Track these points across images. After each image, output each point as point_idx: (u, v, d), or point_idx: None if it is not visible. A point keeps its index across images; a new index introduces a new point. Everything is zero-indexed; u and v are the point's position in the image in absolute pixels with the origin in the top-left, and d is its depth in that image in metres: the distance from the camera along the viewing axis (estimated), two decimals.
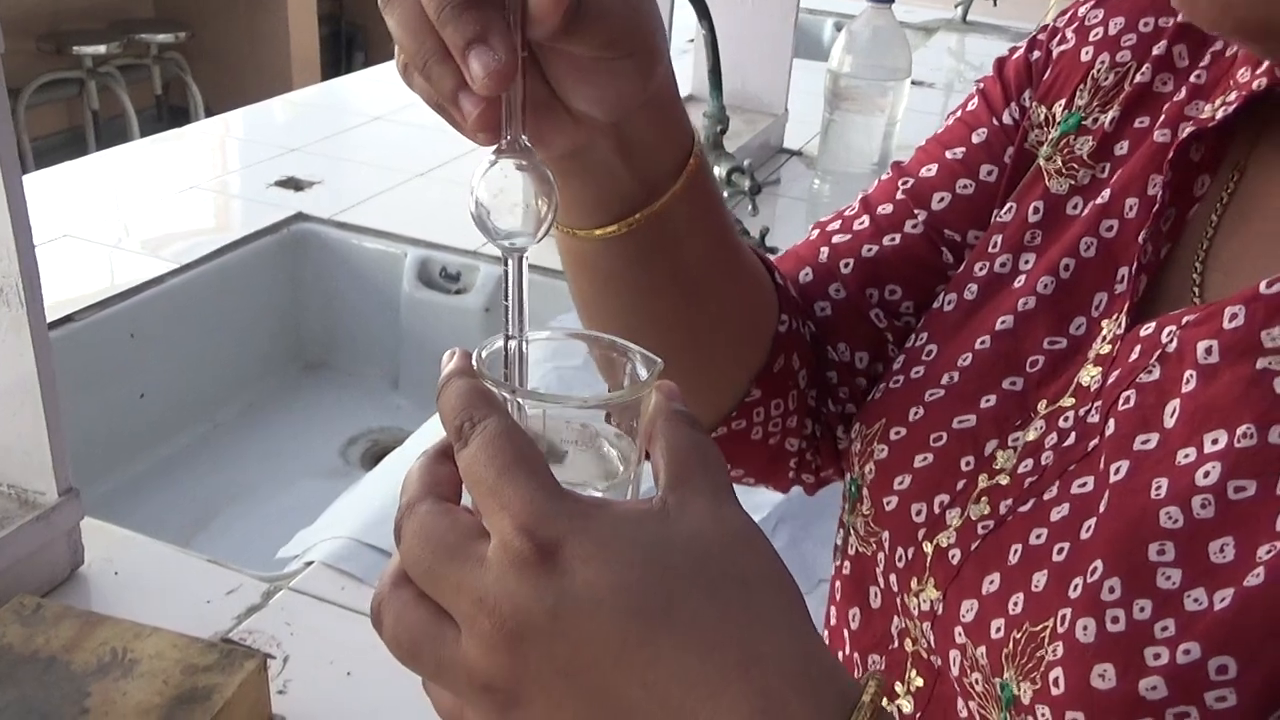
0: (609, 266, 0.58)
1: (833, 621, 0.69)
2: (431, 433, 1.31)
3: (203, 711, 0.79)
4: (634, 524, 0.35)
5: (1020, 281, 0.63)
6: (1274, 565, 0.42)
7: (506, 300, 0.43)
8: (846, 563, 0.67)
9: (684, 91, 2.39)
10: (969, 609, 0.53)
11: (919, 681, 0.60)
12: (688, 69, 2.39)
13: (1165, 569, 0.45)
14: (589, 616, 0.33)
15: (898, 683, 0.61)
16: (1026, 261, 0.64)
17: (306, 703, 0.89)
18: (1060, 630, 0.47)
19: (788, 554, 1.10)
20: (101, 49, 4.94)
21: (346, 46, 6.38)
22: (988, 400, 0.59)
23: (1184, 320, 0.53)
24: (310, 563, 1.06)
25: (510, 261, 0.43)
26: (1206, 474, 0.47)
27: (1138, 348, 0.53)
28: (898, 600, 0.60)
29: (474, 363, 0.40)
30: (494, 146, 0.43)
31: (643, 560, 0.33)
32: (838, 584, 0.69)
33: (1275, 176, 0.56)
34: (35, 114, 4.89)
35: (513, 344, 0.42)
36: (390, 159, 2.11)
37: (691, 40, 2.49)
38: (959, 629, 0.54)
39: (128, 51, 5.10)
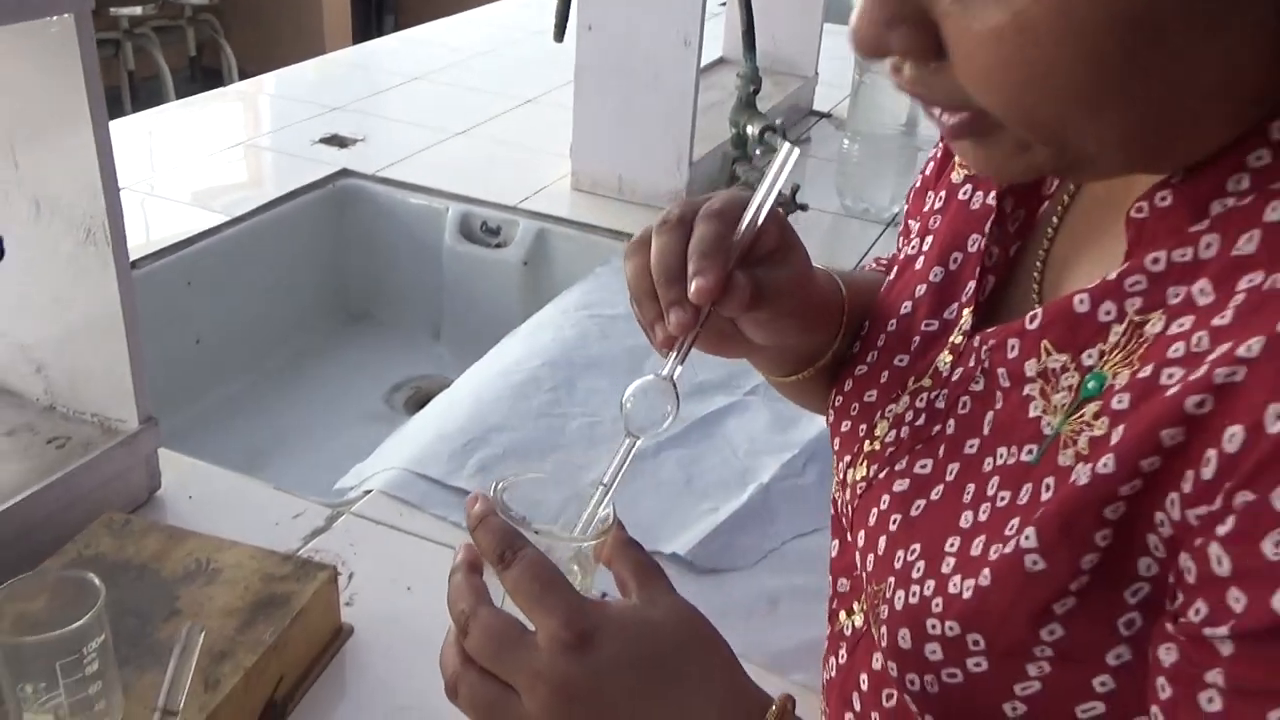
0: (803, 387, 0.75)
1: (832, 553, 0.77)
2: (471, 378, 1.38)
3: (281, 615, 0.87)
4: (633, 614, 0.53)
5: (920, 265, 0.70)
6: (998, 567, 0.51)
7: (615, 462, 0.59)
8: (834, 501, 0.77)
9: (716, 54, 2.44)
10: (855, 559, 0.65)
11: (864, 606, 0.69)
12: (720, 31, 2.44)
13: (949, 558, 0.55)
14: (617, 679, 0.51)
15: (855, 602, 0.70)
16: (929, 246, 0.71)
17: (372, 614, 0.97)
18: (887, 595, 0.58)
19: (817, 489, 1.17)
20: (138, 10, 5.01)
21: (377, 10, 6.42)
22: (884, 376, 0.67)
23: (999, 335, 0.58)
24: (369, 491, 1.14)
25: (630, 442, 0.59)
26: (991, 484, 0.55)
27: (973, 354, 0.58)
28: (841, 538, 0.71)
29: (496, 498, 0.57)
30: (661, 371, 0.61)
31: (649, 638, 0.52)
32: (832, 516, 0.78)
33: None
34: None
35: (603, 490, 0.58)
36: (430, 118, 2.17)
37: (724, 3, 2.53)
38: (859, 566, 0.65)
39: (163, 13, 5.17)
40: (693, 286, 0.59)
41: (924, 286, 0.67)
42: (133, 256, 1.56)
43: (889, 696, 0.64)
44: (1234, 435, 0.41)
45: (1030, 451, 0.54)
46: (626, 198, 1.85)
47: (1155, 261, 0.49)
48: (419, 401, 1.74)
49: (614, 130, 1.83)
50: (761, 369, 0.76)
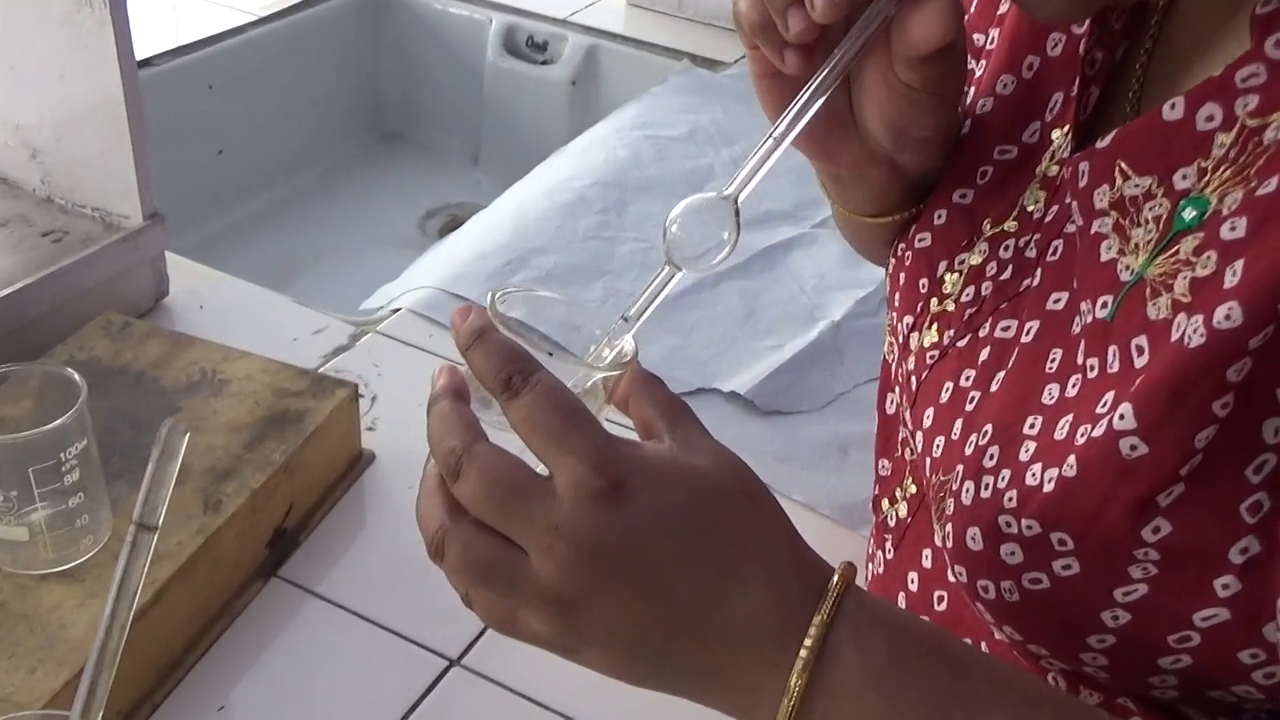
0: (878, 235, 0.62)
1: (872, 427, 0.67)
2: (514, 196, 1.26)
3: (295, 434, 0.77)
4: (671, 460, 0.42)
5: (982, 73, 0.57)
6: (1085, 454, 0.41)
7: (646, 293, 0.46)
8: (881, 370, 0.66)
9: None
10: (920, 438, 0.54)
11: (913, 489, 0.59)
12: None
13: (1028, 442, 0.46)
14: (652, 534, 0.40)
15: (897, 488, 0.61)
16: (993, 44, 0.58)
17: (395, 440, 0.87)
18: (954, 487, 0.49)
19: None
20: None
21: None
22: (939, 216, 0.55)
23: (1076, 161, 0.46)
24: (397, 310, 1.03)
25: (673, 271, 0.46)
26: (1079, 350, 0.45)
27: (1084, 176, 0.46)
28: (898, 413, 0.60)
29: (493, 311, 0.44)
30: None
31: (685, 486, 0.41)
32: (879, 383, 0.67)
33: None
34: None
35: (625, 325, 0.46)
36: None
37: None
38: (922, 451, 0.54)
39: None
40: None
41: (989, 101, 0.55)
42: (148, 53, 1.44)
43: (940, 599, 0.56)
44: None
45: (1105, 306, 0.43)
46: (688, 14, 1.69)
47: (1279, 45, 0.38)
48: (454, 229, 1.62)
49: None
50: (851, 198, 0.60)
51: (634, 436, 0.45)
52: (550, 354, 0.44)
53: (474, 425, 0.43)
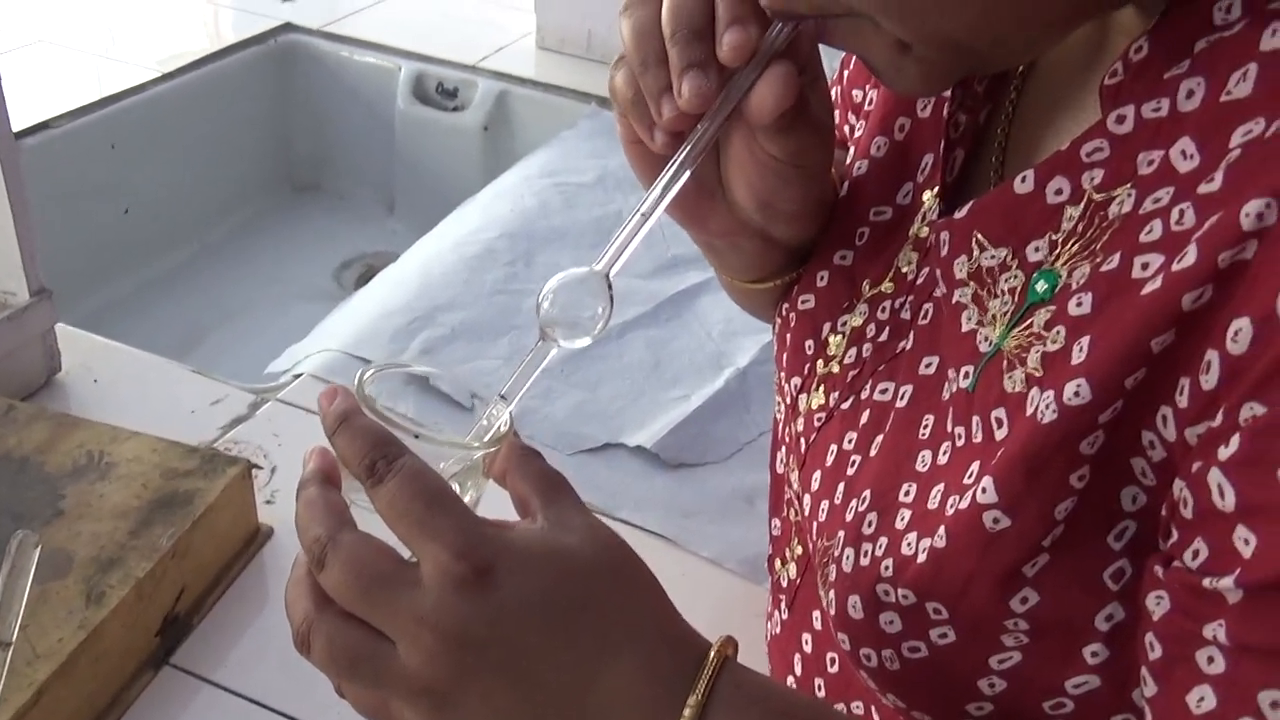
0: (761, 298, 0.61)
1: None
2: (422, 251, 1.25)
3: (183, 516, 0.75)
4: (540, 540, 0.41)
5: (859, 134, 0.58)
6: (954, 525, 0.41)
7: (520, 370, 0.46)
8: (775, 427, 0.66)
9: None
10: (807, 501, 0.54)
11: (799, 550, 0.59)
12: None
13: (904, 509, 0.45)
14: (520, 619, 0.39)
15: (786, 548, 0.61)
16: (870, 105, 0.58)
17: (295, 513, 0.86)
18: (835, 553, 0.48)
19: None
20: None
21: None
22: (821, 278, 0.55)
23: (939, 228, 0.47)
24: (299, 375, 1.02)
25: (548, 348, 0.47)
26: (949, 417, 0.45)
27: (944, 246, 0.46)
28: (785, 473, 0.60)
29: (360, 393, 0.44)
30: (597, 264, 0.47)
31: (554, 568, 0.40)
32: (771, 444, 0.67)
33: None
34: None
35: (502, 404, 0.46)
36: None
37: None
38: (805, 519, 0.54)
39: None
40: (726, 39, 0.44)
41: (865, 163, 0.55)
42: (47, 115, 1.42)
43: (833, 661, 0.55)
44: (1239, 331, 0.32)
45: (967, 376, 0.44)
46: (597, 56, 1.69)
47: (1120, 121, 0.39)
48: (369, 279, 1.61)
49: None
50: (728, 265, 0.60)
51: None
52: (417, 435, 0.43)
53: (341, 512, 0.42)
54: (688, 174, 0.47)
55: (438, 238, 1.27)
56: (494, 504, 0.44)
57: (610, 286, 0.46)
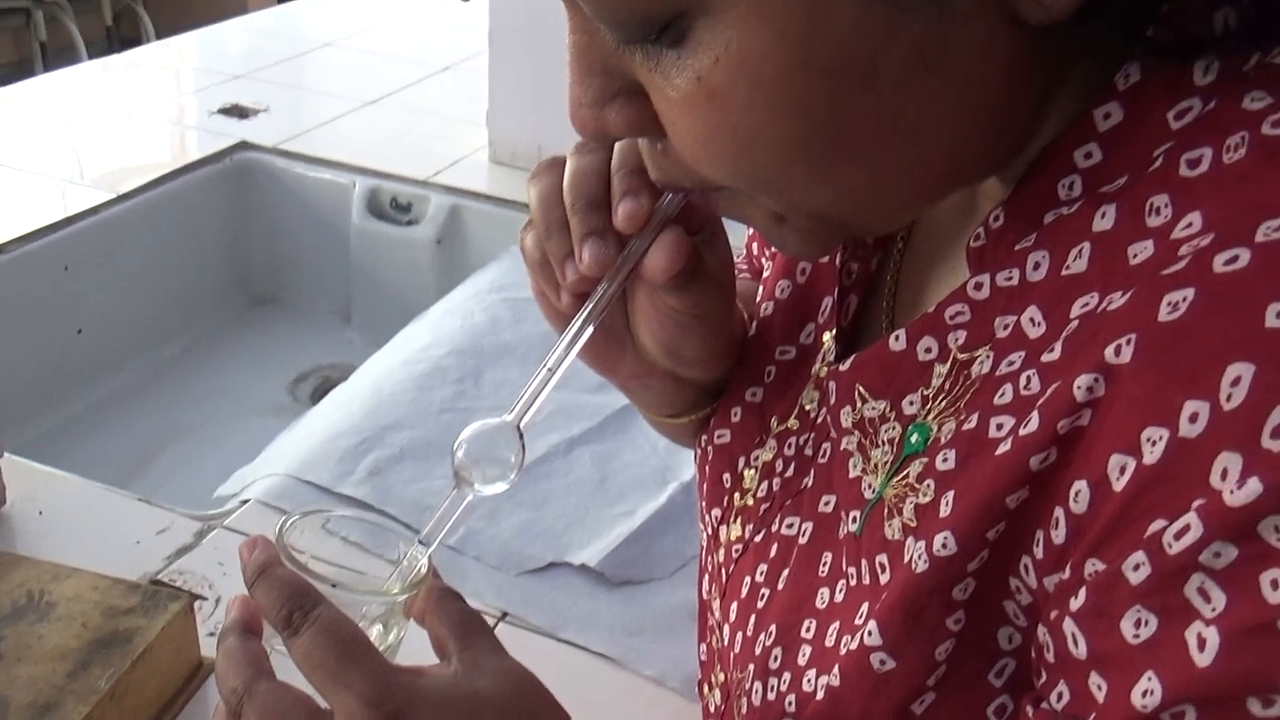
0: (678, 431, 0.63)
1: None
2: (372, 369, 1.27)
3: (122, 655, 0.75)
4: (452, 685, 0.43)
5: (767, 274, 0.61)
6: (846, 665, 0.43)
7: (438, 515, 0.48)
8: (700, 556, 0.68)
9: None
10: (726, 631, 0.55)
11: (722, 676, 0.60)
12: None
13: (805, 645, 0.47)
14: None
15: (712, 674, 0.62)
16: (773, 252, 0.61)
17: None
18: (745, 686, 0.50)
19: None
20: None
21: None
22: (735, 414, 0.58)
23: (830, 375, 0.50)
24: (246, 501, 1.02)
25: (464, 494, 0.49)
26: (844, 553, 0.47)
27: (833, 394, 0.49)
28: (709, 600, 0.61)
29: (279, 542, 0.46)
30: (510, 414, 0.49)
31: (465, 715, 0.42)
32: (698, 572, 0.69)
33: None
34: None
35: (422, 549, 0.48)
36: (340, 86, 2.04)
37: None
38: (724, 650, 0.56)
39: None
40: (620, 209, 0.47)
41: (770, 304, 0.58)
42: (1, 239, 1.43)
43: None
44: (1079, 492, 0.34)
45: (855, 520, 0.46)
46: None
47: (979, 287, 0.41)
48: (325, 391, 1.61)
49: (533, 97, 1.71)
50: (643, 402, 0.62)
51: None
52: (334, 585, 0.45)
53: (258, 661, 0.44)
54: (590, 329, 0.50)
55: (389, 354, 1.29)
56: None
57: (521, 436, 0.49)
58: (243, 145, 1.77)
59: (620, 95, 0.40)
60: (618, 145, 0.49)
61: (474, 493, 0.49)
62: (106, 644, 0.76)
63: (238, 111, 1.89)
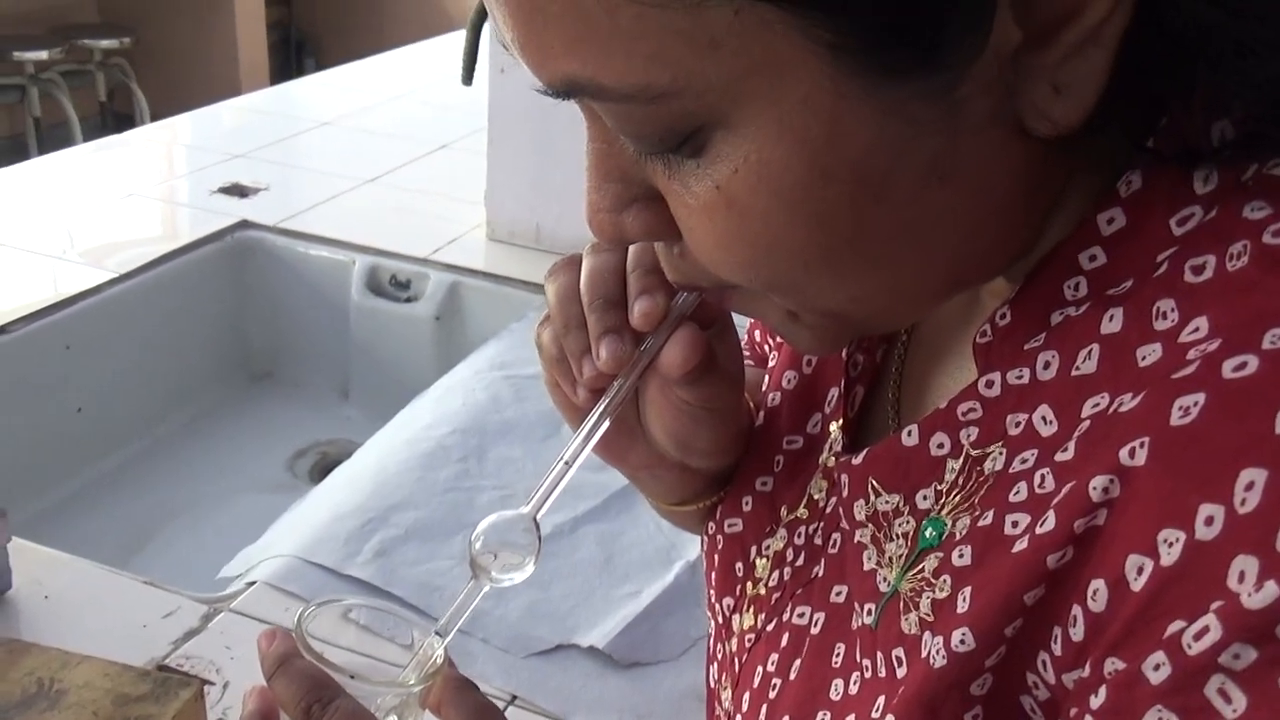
0: (685, 518, 0.64)
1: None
2: (375, 448, 1.28)
3: None
4: None
5: (773, 363, 0.62)
6: None
7: (455, 606, 0.50)
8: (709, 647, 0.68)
9: None
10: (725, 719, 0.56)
11: None
12: None
13: None
14: None
15: None
16: (779, 341, 0.63)
17: None
18: None
19: None
20: (43, 55, 4.83)
21: (297, 53, 6.30)
22: (746, 503, 0.59)
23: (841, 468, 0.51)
24: (252, 583, 1.02)
25: (481, 584, 0.50)
26: (857, 647, 0.47)
27: (844, 487, 0.50)
28: (716, 689, 0.61)
29: (299, 633, 0.47)
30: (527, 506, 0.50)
31: None
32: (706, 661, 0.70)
33: None
34: None
35: (438, 640, 0.49)
36: (339, 165, 2.07)
37: None
38: None
39: (70, 57, 4.99)
40: (636, 308, 0.49)
41: (777, 395, 0.59)
42: (2, 320, 1.44)
43: None
44: (1097, 591, 0.35)
45: (870, 613, 0.46)
46: (545, 247, 1.76)
47: (990, 385, 0.42)
48: (325, 468, 1.63)
49: (531, 175, 1.74)
50: (651, 491, 0.63)
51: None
52: (352, 676, 0.46)
53: None
54: (607, 424, 0.51)
55: (391, 433, 1.30)
56: None
57: (538, 527, 0.50)
58: (243, 224, 1.79)
59: (638, 201, 0.41)
60: (632, 246, 0.51)
61: (491, 583, 0.49)
62: None
63: (237, 190, 1.92)
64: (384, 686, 0.48)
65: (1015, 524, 0.39)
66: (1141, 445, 0.34)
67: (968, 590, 0.40)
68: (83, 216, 1.78)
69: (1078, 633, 0.35)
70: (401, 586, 1.02)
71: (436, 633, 0.49)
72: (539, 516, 0.50)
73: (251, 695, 0.48)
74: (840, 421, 0.54)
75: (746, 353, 0.71)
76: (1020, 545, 0.38)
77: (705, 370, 0.50)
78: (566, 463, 0.51)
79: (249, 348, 1.82)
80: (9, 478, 1.39)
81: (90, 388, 1.55)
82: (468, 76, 1.62)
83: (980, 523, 0.41)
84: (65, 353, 1.51)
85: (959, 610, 0.40)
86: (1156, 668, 0.32)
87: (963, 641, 0.39)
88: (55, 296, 1.52)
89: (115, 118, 5.25)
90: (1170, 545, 0.32)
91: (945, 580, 0.42)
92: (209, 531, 1.47)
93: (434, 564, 1.06)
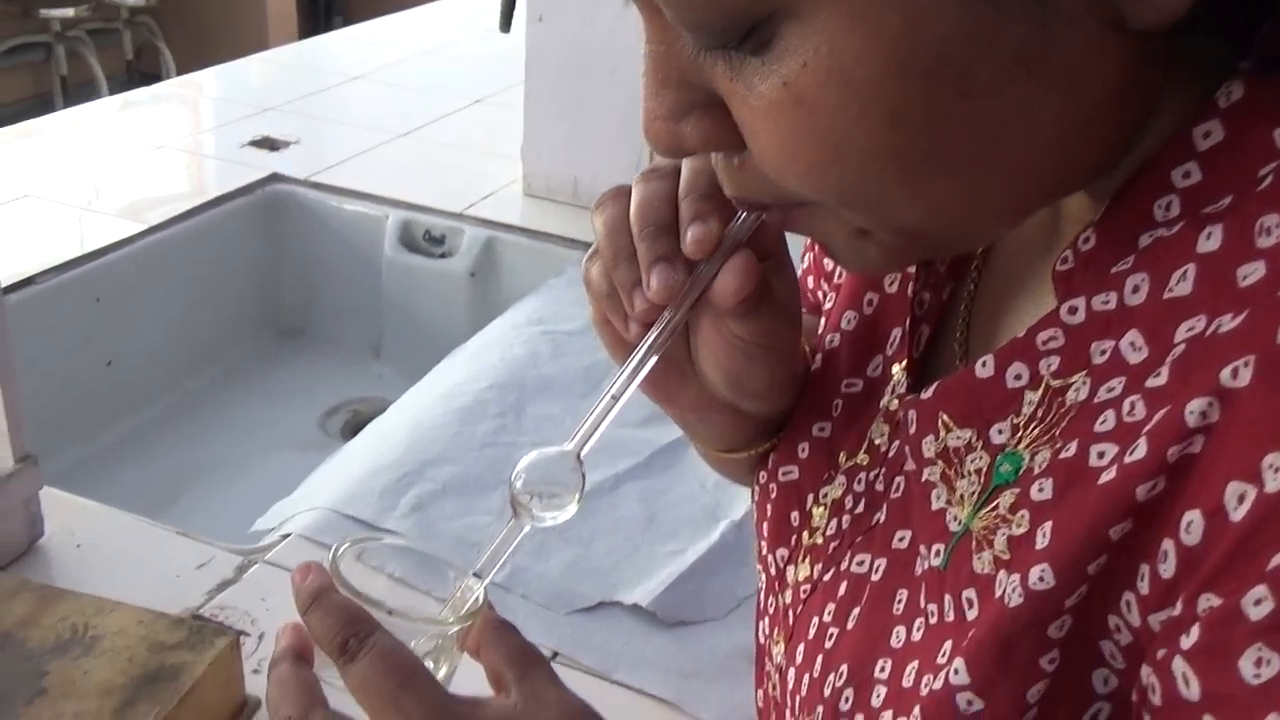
0: (735, 467, 0.63)
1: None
2: (410, 403, 1.27)
3: (170, 692, 0.74)
4: (513, 718, 0.43)
5: (830, 306, 0.60)
6: (928, 706, 0.42)
7: (494, 546, 0.49)
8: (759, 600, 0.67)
9: None
10: (792, 675, 0.54)
11: None
12: None
13: (879, 686, 0.46)
14: None
15: None
16: (839, 280, 0.61)
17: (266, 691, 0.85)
18: None
19: None
20: (69, 12, 4.83)
21: (325, 11, 6.28)
22: (802, 450, 0.57)
23: (908, 405, 0.49)
24: (287, 535, 1.02)
25: (521, 525, 0.49)
26: (921, 592, 0.46)
27: (912, 424, 0.48)
28: (767, 645, 0.60)
29: (333, 569, 0.46)
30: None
31: None
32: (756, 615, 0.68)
33: None
34: (0, 79, 4.79)
35: (476, 580, 0.48)
36: (371, 119, 2.05)
37: None
38: (789, 693, 0.54)
39: (97, 15, 4.99)
40: (689, 234, 0.47)
41: (835, 336, 0.57)
42: (32, 271, 1.44)
43: None
44: (1191, 523, 0.33)
45: (938, 554, 0.45)
46: (583, 203, 1.73)
47: (1073, 311, 0.41)
48: (356, 426, 1.62)
49: (569, 129, 1.72)
50: (701, 436, 0.61)
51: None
52: (390, 612, 0.45)
53: (312, 690, 0.44)
54: (655, 358, 0.49)
55: (427, 388, 1.29)
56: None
57: (582, 465, 0.48)
58: (274, 178, 1.78)
59: (697, 108, 0.40)
60: (685, 170, 0.49)
61: (533, 523, 0.48)
62: (153, 679, 0.75)
63: (268, 144, 1.90)
64: (423, 623, 0.47)
65: (1101, 455, 0.37)
66: (1245, 365, 0.32)
67: (1048, 525, 0.38)
68: (111, 169, 1.77)
69: (1168, 569, 0.34)
70: (438, 541, 1.01)
71: (475, 574, 0.48)
72: (583, 454, 0.48)
73: (285, 631, 0.47)
74: (904, 363, 0.53)
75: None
76: (1106, 477, 0.36)
77: (760, 302, 0.49)
78: (613, 397, 0.49)
79: (280, 303, 1.81)
80: (39, 429, 1.37)
81: (120, 341, 1.54)
82: (506, 23, 1.60)
83: (1062, 455, 0.39)
84: (95, 306, 1.50)
85: (1038, 546, 0.38)
86: (1258, 603, 0.31)
87: (1041, 579, 0.38)
88: (84, 248, 1.51)
89: (142, 76, 5.25)
90: (1277, 470, 0.31)
91: (1023, 516, 0.40)
92: (240, 487, 1.46)
93: (471, 519, 1.05)
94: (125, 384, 1.56)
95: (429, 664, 0.46)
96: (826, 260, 0.63)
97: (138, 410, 1.57)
